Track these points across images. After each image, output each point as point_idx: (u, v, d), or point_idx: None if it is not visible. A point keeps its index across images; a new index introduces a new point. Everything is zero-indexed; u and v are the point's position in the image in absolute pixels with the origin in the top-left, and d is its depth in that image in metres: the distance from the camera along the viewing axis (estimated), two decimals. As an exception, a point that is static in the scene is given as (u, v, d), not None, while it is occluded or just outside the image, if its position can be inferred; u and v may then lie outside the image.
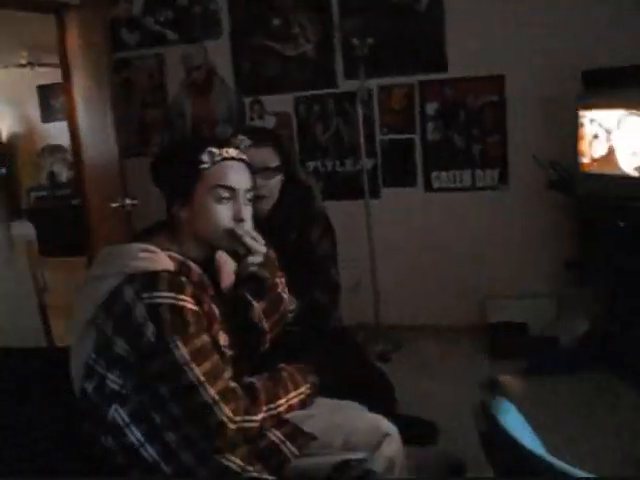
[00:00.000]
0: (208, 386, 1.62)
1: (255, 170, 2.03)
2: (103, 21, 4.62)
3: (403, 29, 4.40)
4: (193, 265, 1.77)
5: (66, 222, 6.71)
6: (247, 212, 1.83)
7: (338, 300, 2.76)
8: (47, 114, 9.97)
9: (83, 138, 4.93)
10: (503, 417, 1.31)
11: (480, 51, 4.30)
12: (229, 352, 1.82)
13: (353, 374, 2.45)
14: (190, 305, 1.66)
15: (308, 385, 1.92)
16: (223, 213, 1.78)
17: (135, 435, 1.65)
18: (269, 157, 2.47)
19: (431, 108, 4.48)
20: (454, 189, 4.53)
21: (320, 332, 2.57)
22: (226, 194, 1.78)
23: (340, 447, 1.86)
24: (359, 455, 1.85)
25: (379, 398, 2.23)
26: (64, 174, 9.31)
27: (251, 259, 1.84)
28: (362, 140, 4.37)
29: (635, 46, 3.82)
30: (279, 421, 1.80)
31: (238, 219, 1.79)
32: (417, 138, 4.56)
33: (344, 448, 1.86)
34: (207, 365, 1.64)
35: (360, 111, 4.34)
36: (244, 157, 1.86)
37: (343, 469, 1.85)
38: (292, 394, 1.85)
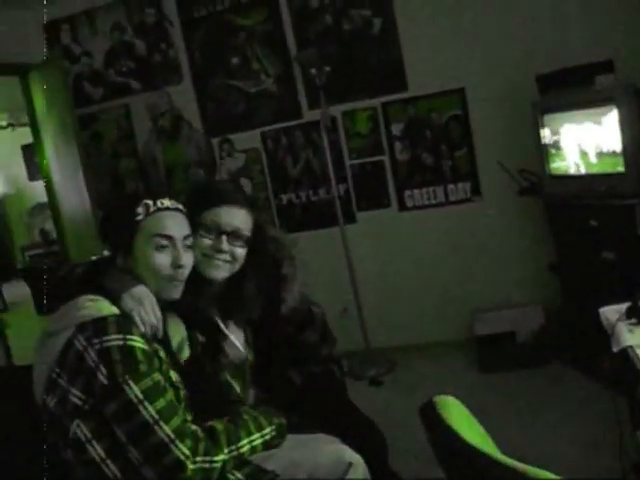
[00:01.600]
0: (163, 424, 1.62)
1: (223, 230, 2.03)
2: (65, 78, 4.69)
3: (360, 54, 4.46)
4: None
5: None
6: (186, 258, 1.88)
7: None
8: (33, 172, 10.08)
9: (58, 194, 5.00)
10: (449, 416, 1.31)
11: (438, 67, 4.34)
12: (183, 390, 1.83)
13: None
14: (140, 344, 1.68)
15: (273, 427, 1.90)
16: (162, 260, 1.83)
17: (97, 451, 1.64)
18: (243, 221, 2.11)
19: (396, 128, 4.51)
20: (428, 206, 4.54)
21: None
22: (164, 242, 1.84)
23: (304, 483, 1.85)
24: (324, 488, 1.85)
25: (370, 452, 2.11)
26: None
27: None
28: (330, 167, 4.39)
29: (587, 45, 3.86)
30: (240, 462, 1.79)
31: (177, 265, 1.84)
32: (386, 159, 4.58)
33: (308, 483, 1.85)
34: (161, 403, 1.64)
35: (326, 138, 4.36)
36: (179, 206, 1.92)
37: (309, 504, 1.84)
38: (255, 436, 1.84)
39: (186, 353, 1.97)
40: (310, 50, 4.38)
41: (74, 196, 4.67)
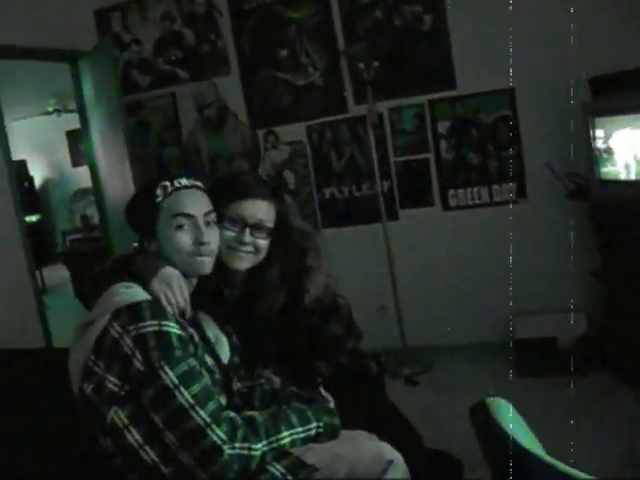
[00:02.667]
0: (199, 409, 1.62)
1: (247, 223, 2.06)
2: (115, 65, 4.72)
3: (409, 50, 4.43)
4: None
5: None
6: (211, 234, 1.90)
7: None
8: (77, 158, 10.20)
9: (103, 180, 5.04)
10: (501, 417, 1.29)
11: (488, 66, 4.28)
12: (218, 374, 1.84)
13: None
14: (175, 330, 1.69)
15: (320, 424, 1.87)
16: (183, 239, 1.85)
17: (134, 437, 1.65)
18: (266, 213, 2.13)
19: (443, 127, 4.47)
20: (472, 206, 4.50)
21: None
22: (184, 221, 1.85)
23: (344, 477, 1.83)
24: (364, 485, 1.83)
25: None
26: (97, 216, 9.45)
27: None
28: (375, 163, 4.37)
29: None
30: (281, 454, 1.77)
31: (199, 242, 1.86)
32: (431, 157, 4.54)
33: (348, 478, 1.83)
34: (196, 388, 1.64)
35: (372, 134, 4.34)
36: (197, 183, 1.94)
37: (348, 500, 1.82)
38: (297, 429, 1.81)
39: (225, 351, 1.98)
40: (359, 45, 4.36)
41: (118, 183, 4.70)
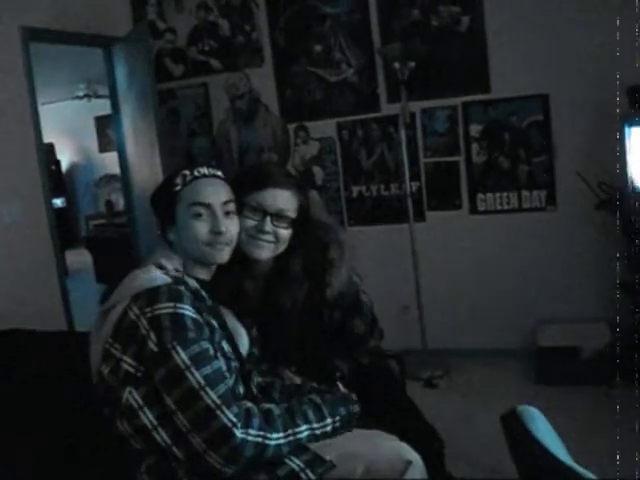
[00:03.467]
0: (209, 390, 1.63)
1: (267, 212, 2.06)
2: (148, 53, 4.72)
3: (445, 51, 4.39)
4: (189, 279, 1.85)
5: (123, 250, 6.75)
6: (229, 223, 1.90)
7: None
8: (104, 144, 10.27)
9: (132, 167, 5.04)
10: (534, 428, 1.28)
11: (523, 70, 4.25)
12: (235, 362, 1.84)
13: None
14: (189, 313, 1.71)
15: (337, 418, 1.88)
16: (200, 228, 1.86)
17: (148, 418, 1.67)
18: (287, 202, 2.13)
19: (475, 129, 4.43)
20: (500, 211, 4.46)
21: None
22: (201, 210, 1.86)
23: (361, 476, 1.82)
24: (381, 484, 1.81)
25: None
26: (121, 203, 9.52)
27: None
28: (406, 164, 4.35)
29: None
30: (298, 448, 1.78)
31: (215, 232, 1.86)
32: (462, 160, 4.51)
33: (365, 477, 1.82)
34: (208, 369, 1.66)
35: (403, 134, 4.31)
36: (217, 172, 1.94)
37: (365, 498, 1.81)
38: (314, 425, 1.82)
39: (245, 345, 1.99)
40: (395, 44, 4.33)
41: (146, 170, 4.71)
